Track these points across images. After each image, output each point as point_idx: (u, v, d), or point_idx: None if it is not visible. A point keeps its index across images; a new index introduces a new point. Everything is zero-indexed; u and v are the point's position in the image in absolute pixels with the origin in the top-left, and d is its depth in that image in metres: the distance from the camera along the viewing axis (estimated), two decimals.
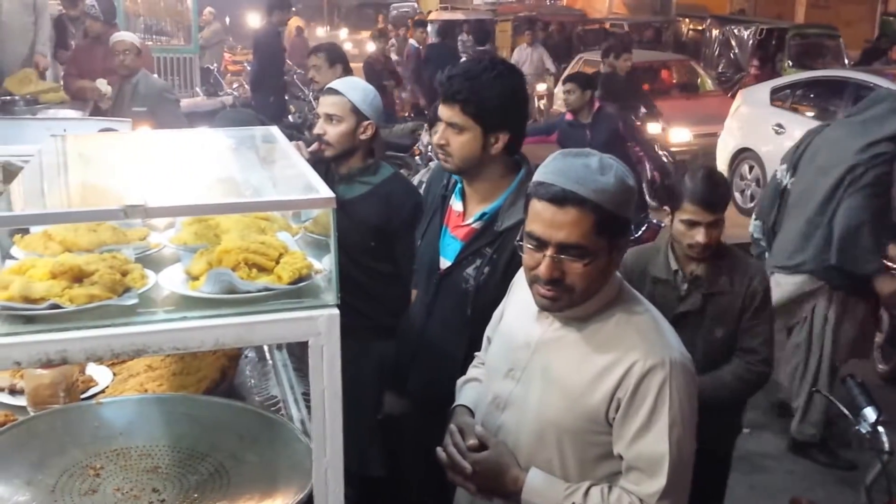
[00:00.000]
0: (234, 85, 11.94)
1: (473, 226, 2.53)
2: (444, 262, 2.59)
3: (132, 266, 1.66)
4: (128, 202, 1.48)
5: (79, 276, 1.54)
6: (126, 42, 6.01)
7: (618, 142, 6.27)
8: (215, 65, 12.72)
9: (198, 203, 1.72)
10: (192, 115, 7.64)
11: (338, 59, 5.33)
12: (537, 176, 1.87)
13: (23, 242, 1.79)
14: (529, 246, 1.86)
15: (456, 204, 2.61)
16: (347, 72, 5.20)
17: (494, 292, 2.31)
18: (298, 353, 2.36)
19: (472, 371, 2.24)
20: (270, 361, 2.39)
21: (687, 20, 18.15)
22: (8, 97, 5.86)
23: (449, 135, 2.45)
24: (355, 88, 3.22)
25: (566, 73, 10.48)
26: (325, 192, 1.65)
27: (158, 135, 2.49)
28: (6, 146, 2.97)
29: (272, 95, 8.91)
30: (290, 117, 9.31)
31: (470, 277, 2.49)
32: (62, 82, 7.00)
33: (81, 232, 1.77)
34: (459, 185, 2.61)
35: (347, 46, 16.58)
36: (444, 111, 2.45)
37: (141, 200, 1.50)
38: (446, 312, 2.56)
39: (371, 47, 15.12)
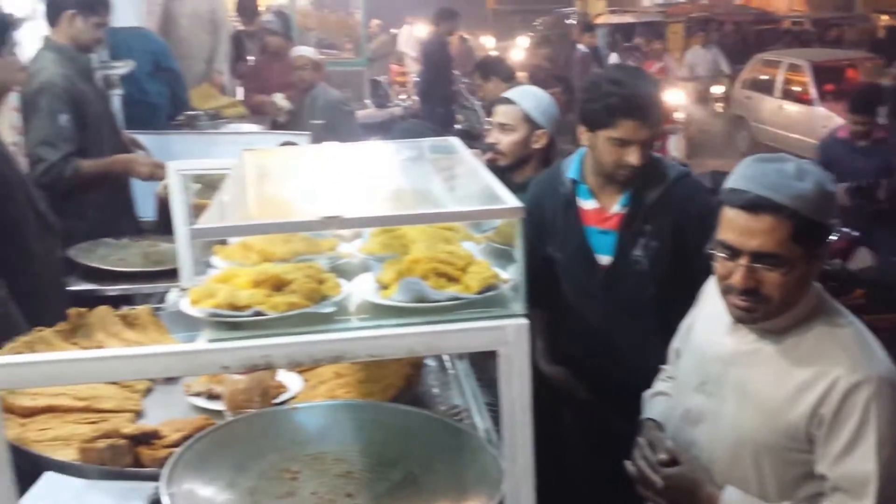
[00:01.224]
0: (402, 96, 12.20)
1: (622, 212, 2.59)
2: (604, 258, 2.63)
3: (327, 275, 1.70)
4: (324, 213, 1.53)
5: (278, 285, 1.60)
6: (305, 57, 6.23)
7: None
8: (384, 77, 13.04)
9: (389, 214, 1.77)
10: (364, 126, 7.84)
11: (492, 73, 5.41)
12: (729, 182, 1.81)
13: (223, 252, 1.88)
14: (722, 255, 1.80)
15: (588, 203, 2.65)
16: (506, 82, 5.25)
17: (669, 263, 2.47)
18: (479, 362, 2.37)
19: (659, 384, 2.19)
20: (452, 370, 2.40)
21: (884, 16, 17.07)
22: (192, 112, 6.19)
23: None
24: (529, 97, 3.21)
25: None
26: (511, 201, 1.65)
27: (340, 147, 2.56)
28: (200, 160, 3.16)
29: (440, 105, 9.04)
30: (457, 126, 9.42)
31: (640, 258, 2.56)
32: (242, 97, 7.32)
33: (278, 242, 1.85)
34: (582, 186, 2.66)
35: (507, 53, 16.64)
36: (640, 131, 2.48)
37: (337, 211, 1.54)
38: (623, 301, 2.60)
39: (520, 54, 15.10)
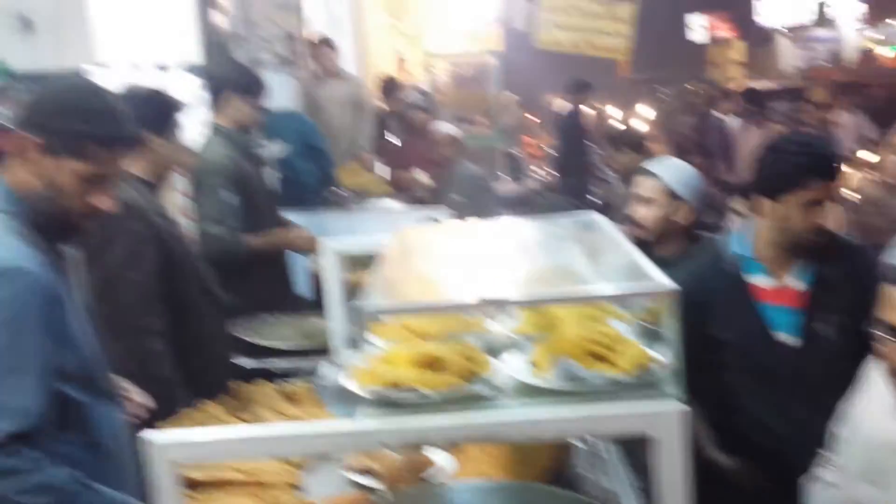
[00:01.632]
0: (537, 169, 12.29)
1: (804, 288, 2.51)
2: (786, 337, 2.52)
3: (478, 354, 1.74)
4: (483, 296, 1.58)
5: (435, 365, 1.65)
6: (445, 133, 6.40)
7: None
8: (517, 150, 13.20)
9: (544, 296, 1.79)
10: (502, 200, 7.94)
11: (623, 144, 5.40)
12: (891, 258, 1.74)
13: (380, 330, 1.95)
14: (886, 336, 1.72)
15: (760, 279, 2.56)
16: (638, 153, 5.22)
17: (859, 340, 2.21)
18: (629, 444, 2.33)
19: (823, 472, 2.09)
20: (602, 452, 2.37)
21: None
22: (339, 190, 6.44)
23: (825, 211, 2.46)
24: (670, 169, 3.15)
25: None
26: (664, 281, 1.65)
27: (485, 224, 2.62)
28: (353, 238, 3.29)
29: (576, 177, 9.05)
30: (594, 199, 9.39)
31: (830, 335, 2.47)
32: (386, 174, 7.56)
33: (431, 321, 1.91)
34: (752, 261, 2.57)
35: (641, 122, 16.49)
36: (830, 191, 2.45)
37: (493, 294, 1.58)
38: (812, 381, 2.48)
39: (654, 123, 14.90)
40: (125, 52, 4.26)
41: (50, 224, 1.93)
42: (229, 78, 3.93)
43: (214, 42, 4.42)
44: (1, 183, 1.91)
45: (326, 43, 7.17)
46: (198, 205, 3.80)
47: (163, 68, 4.27)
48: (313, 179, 5.73)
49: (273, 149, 4.74)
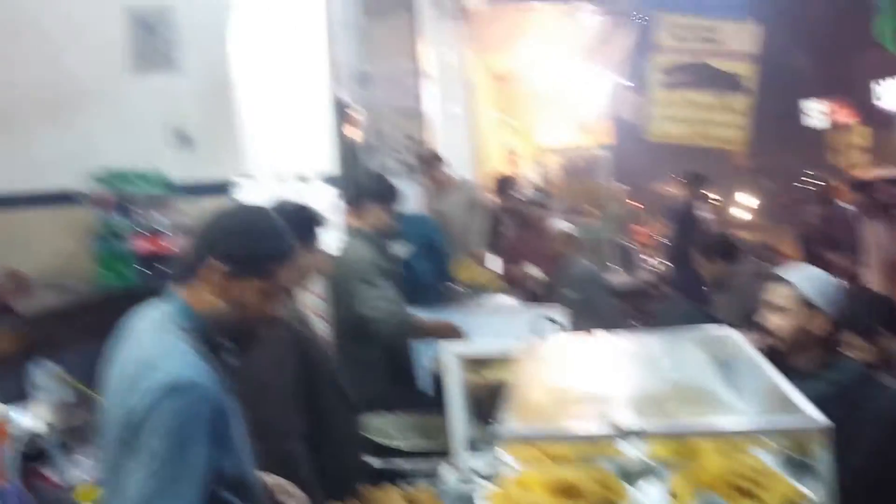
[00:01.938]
0: (649, 260, 12.21)
1: None
2: None
3: (614, 481, 1.77)
4: (621, 425, 1.63)
5: (570, 491, 1.70)
6: (560, 229, 6.49)
7: None
8: (628, 240, 13.16)
9: (687, 429, 1.82)
10: (615, 292, 7.94)
11: (715, 253, 5.34)
12: None
13: (513, 450, 2.01)
14: None
15: None
16: (731, 263, 5.16)
17: None
18: None
19: None
20: None
21: None
22: (454, 285, 6.58)
23: None
24: (806, 277, 3.04)
25: None
26: (819, 418, 1.64)
27: (612, 337, 2.67)
28: (475, 342, 3.39)
29: (690, 269, 8.93)
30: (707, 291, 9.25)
31: None
32: (498, 269, 7.68)
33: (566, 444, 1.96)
34: None
35: (757, 213, 16.24)
36: None
37: (634, 424, 1.63)
38: None
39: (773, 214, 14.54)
40: (269, 164, 4.56)
41: (230, 336, 2.11)
42: (370, 187, 4.20)
43: (349, 153, 4.70)
44: (179, 301, 2.09)
45: (436, 158, 7.47)
46: (362, 297, 3.95)
47: (302, 179, 4.56)
48: (431, 278, 5.89)
49: (399, 249, 4.94)
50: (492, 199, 8.63)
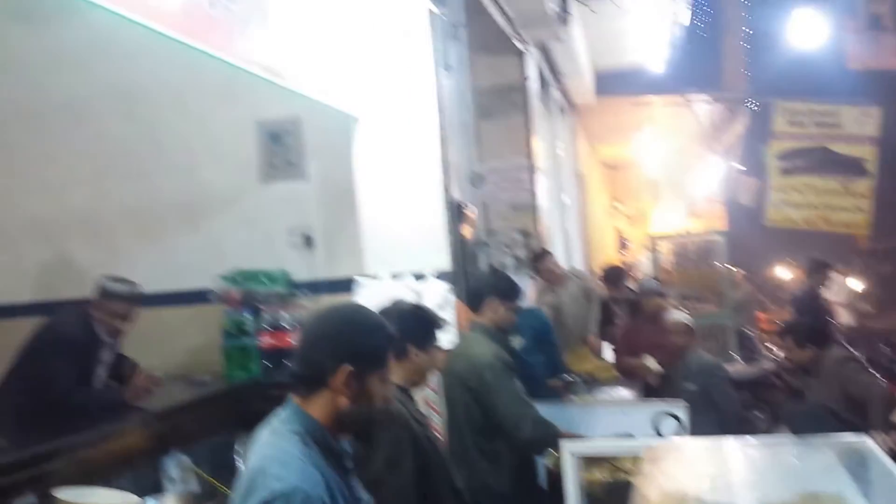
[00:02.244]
0: (772, 348, 11.84)
1: None
2: None
3: None
4: None
5: None
6: (677, 320, 6.42)
7: None
8: (749, 328, 12.81)
9: None
10: (735, 382, 7.74)
11: (808, 339, 5.19)
12: None
13: None
14: None
15: None
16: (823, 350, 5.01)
17: None
18: None
19: None
20: None
21: None
22: (568, 376, 6.57)
23: None
24: None
25: None
26: None
27: (743, 445, 2.60)
28: (593, 441, 3.40)
29: None
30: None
31: None
32: (613, 360, 7.63)
33: None
34: None
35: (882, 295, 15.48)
36: None
37: None
38: None
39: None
40: (387, 262, 4.78)
41: (354, 431, 2.23)
42: (490, 282, 4.34)
43: (462, 250, 4.87)
44: (294, 406, 2.19)
45: (546, 252, 7.61)
46: (494, 396, 4.01)
47: (419, 277, 4.75)
48: (544, 370, 5.93)
49: (512, 343, 5.04)
50: (604, 288, 8.64)
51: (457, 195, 5.00)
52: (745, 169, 14.72)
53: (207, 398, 4.65)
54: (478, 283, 4.44)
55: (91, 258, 5.33)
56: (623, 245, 20.49)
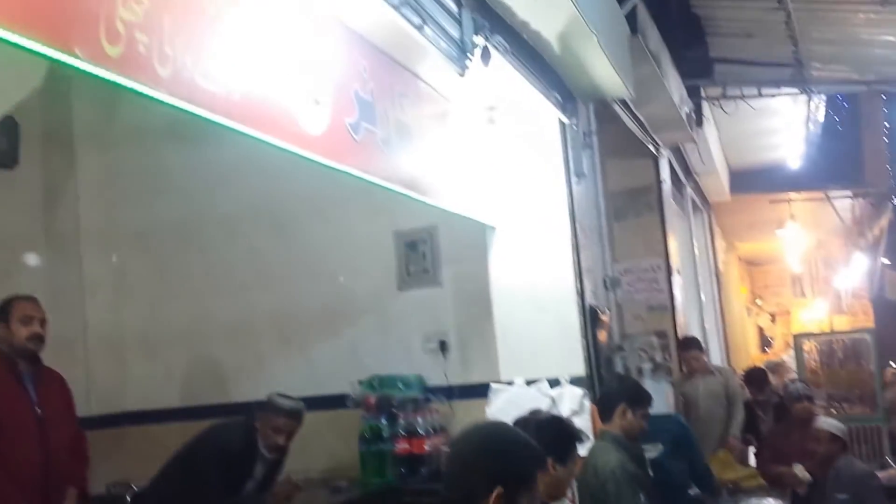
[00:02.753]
0: None
1: None
2: None
3: None
4: None
5: None
6: (827, 428, 6.13)
7: None
8: None
9: None
10: (887, 490, 7.27)
11: None
12: None
13: None
14: None
15: None
16: None
17: None
18: None
19: None
20: None
21: None
22: (710, 484, 6.30)
23: None
24: None
25: None
26: None
27: None
28: None
29: None
30: None
31: None
32: (758, 467, 7.30)
33: None
34: None
35: None
36: None
37: None
38: None
39: None
40: (521, 368, 4.81)
41: None
42: (623, 392, 4.29)
43: (597, 354, 4.85)
44: None
45: (694, 344, 7.47)
46: None
47: (553, 382, 4.75)
48: (685, 479, 5.73)
49: (648, 451, 4.92)
50: (747, 389, 8.34)
51: (591, 299, 5.01)
52: (890, 263, 14.11)
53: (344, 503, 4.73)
54: (606, 390, 4.41)
55: (236, 365, 5.59)
56: (766, 343, 19.78)
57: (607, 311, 5.28)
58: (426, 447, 4.88)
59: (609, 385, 4.64)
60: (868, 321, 15.18)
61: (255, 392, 4.75)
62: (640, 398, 4.19)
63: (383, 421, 4.98)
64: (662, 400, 5.48)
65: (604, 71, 4.80)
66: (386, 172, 3.73)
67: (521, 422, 3.40)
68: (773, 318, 21.24)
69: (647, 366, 5.10)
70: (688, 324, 8.65)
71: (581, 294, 4.87)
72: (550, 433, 3.23)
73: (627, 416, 4.11)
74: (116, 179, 6.04)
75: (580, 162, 5.07)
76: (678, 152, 9.65)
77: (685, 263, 10.51)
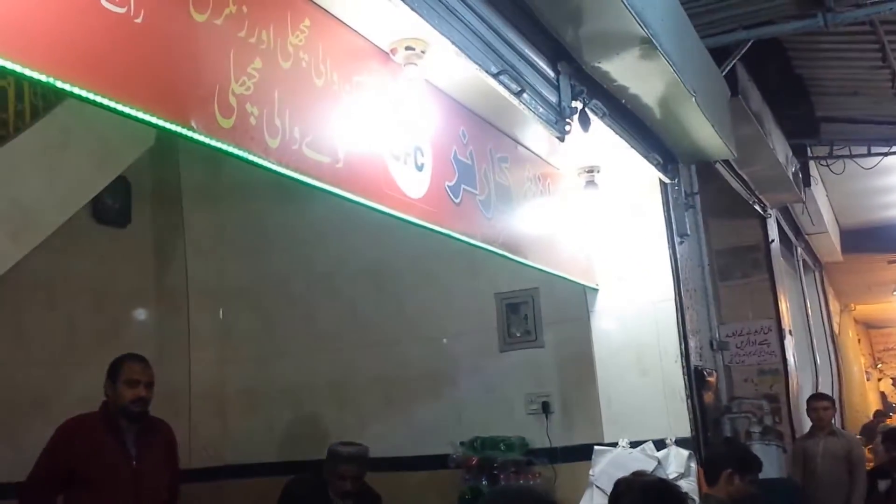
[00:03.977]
0: None
1: None
2: None
3: None
4: None
5: None
6: None
7: None
8: None
9: None
10: None
11: None
12: None
13: None
14: None
15: None
16: None
17: None
18: None
19: None
20: None
21: None
22: None
23: None
24: None
25: None
26: None
27: None
28: None
29: None
30: None
31: None
32: None
33: None
34: None
35: None
36: None
37: None
38: None
39: None
40: (626, 430, 4.75)
41: None
42: (730, 456, 4.16)
43: (703, 416, 4.74)
44: None
45: (825, 398, 7.24)
46: None
47: (659, 444, 4.66)
48: None
49: None
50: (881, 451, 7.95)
51: (696, 360, 4.92)
52: None
53: None
54: (712, 453, 4.29)
55: (338, 422, 5.65)
56: (889, 409, 18.81)
57: (714, 373, 5.16)
58: None
59: (716, 448, 4.51)
60: None
61: None
62: (747, 463, 4.07)
63: (484, 482, 4.96)
64: (774, 464, 5.28)
65: (704, 132, 4.78)
66: (485, 234, 3.79)
67: (625, 483, 3.34)
68: (895, 382, 20.21)
69: (756, 429, 4.94)
70: (801, 387, 8.34)
71: (685, 355, 4.79)
72: (655, 495, 3.16)
73: (735, 481, 4.00)
74: (223, 236, 6.21)
75: (683, 222, 5.03)
76: (786, 212, 9.43)
77: (797, 325, 10.17)
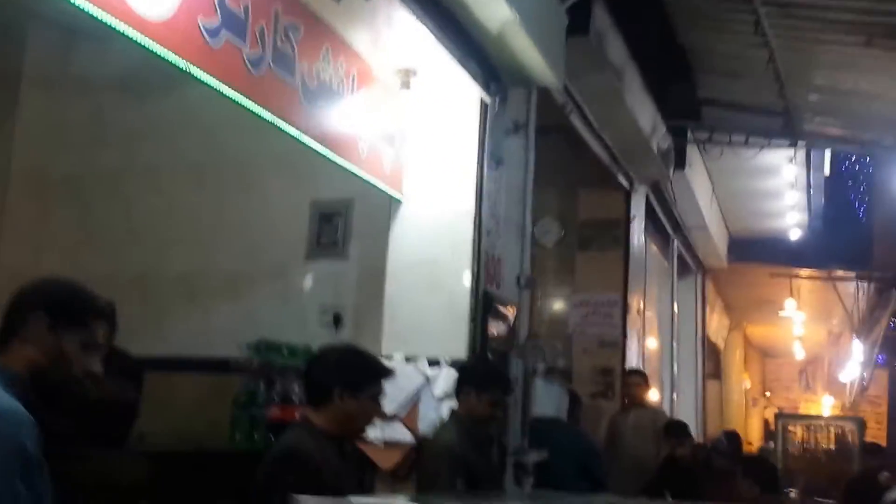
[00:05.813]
0: None
1: None
2: None
3: None
4: None
5: None
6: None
7: None
8: None
9: None
10: None
11: None
12: None
13: None
14: None
15: None
16: None
17: None
18: None
19: None
20: None
21: None
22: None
23: None
24: None
25: None
26: None
27: None
28: None
29: None
30: None
31: None
32: None
33: None
34: None
35: None
36: None
37: None
38: None
39: None
40: (406, 347, 4.62)
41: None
42: (470, 372, 4.16)
43: (483, 344, 4.62)
44: None
45: (638, 374, 7.33)
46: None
47: (433, 362, 4.55)
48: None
49: (534, 456, 4.66)
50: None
51: (492, 288, 4.79)
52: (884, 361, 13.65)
53: None
54: (460, 372, 4.21)
55: (138, 317, 5.38)
56: (770, 437, 19.16)
57: (514, 308, 5.05)
58: (297, 416, 4.64)
59: (463, 366, 4.41)
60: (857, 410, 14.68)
61: (152, 347, 4.65)
62: (486, 384, 3.96)
63: (261, 386, 4.78)
64: (552, 403, 5.21)
65: (529, 54, 4.66)
66: (261, 97, 3.59)
67: (326, 349, 3.23)
68: (759, 398, 20.61)
69: (540, 366, 4.83)
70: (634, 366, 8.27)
71: (476, 277, 4.66)
72: (347, 361, 3.03)
73: (471, 398, 3.91)
74: (59, 125, 5.99)
75: (500, 147, 4.91)
76: (666, 204, 9.44)
77: (662, 324, 10.22)
